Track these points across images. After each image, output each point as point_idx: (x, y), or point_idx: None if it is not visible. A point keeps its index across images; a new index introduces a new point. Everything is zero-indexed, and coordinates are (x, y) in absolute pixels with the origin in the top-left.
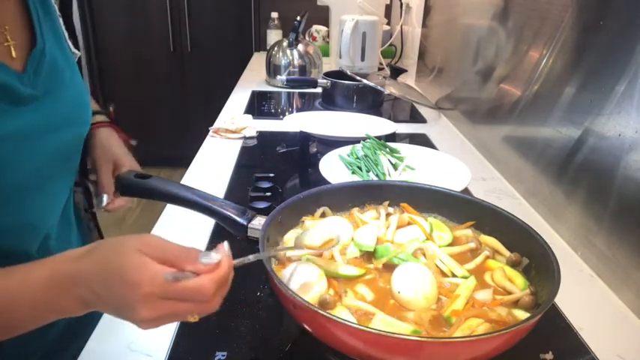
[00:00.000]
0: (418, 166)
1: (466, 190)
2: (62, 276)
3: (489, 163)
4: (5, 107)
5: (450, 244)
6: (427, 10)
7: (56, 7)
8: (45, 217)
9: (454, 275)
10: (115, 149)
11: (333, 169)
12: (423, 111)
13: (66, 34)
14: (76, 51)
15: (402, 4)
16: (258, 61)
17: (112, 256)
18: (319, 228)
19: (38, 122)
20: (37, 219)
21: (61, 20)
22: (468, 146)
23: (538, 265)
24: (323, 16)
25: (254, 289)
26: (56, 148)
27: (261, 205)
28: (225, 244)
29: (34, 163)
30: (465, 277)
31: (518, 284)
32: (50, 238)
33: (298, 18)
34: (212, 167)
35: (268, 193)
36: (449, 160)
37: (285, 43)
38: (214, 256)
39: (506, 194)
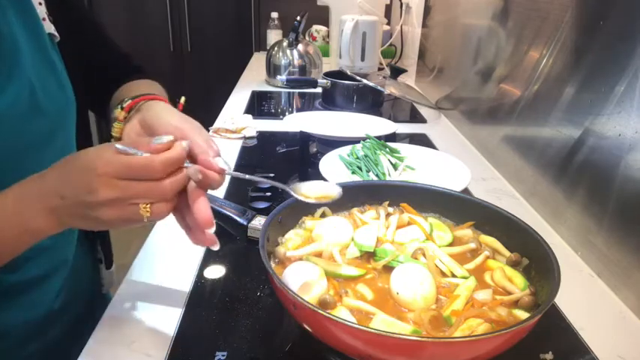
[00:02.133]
0: (418, 166)
1: (466, 190)
2: (30, 189)
3: (489, 163)
4: None
5: (450, 244)
6: (427, 10)
7: None
8: None
9: (454, 275)
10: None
11: (333, 169)
12: (423, 111)
13: (41, 11)
14: (56, 34)
15: (402, 4)
16: (258, 61)
17: (73, 158)
18: (318, 184)
19: (3, 107)
20: None
21: (41, 4)
22: (468, 146)
23: (538, 265)
24: (323, 16)
25: (254, 289)
26: (31, 133)
27: (261, 205)
28: (185, 143)
29: (5, 149)
30: (465, 278)
31: (518, 284)
32: None
33: (298, 18)
34: None
35: (268, 193)
36: (449, 160)
37: (285, 43)
38: (165, 138)
39: (506, 194)
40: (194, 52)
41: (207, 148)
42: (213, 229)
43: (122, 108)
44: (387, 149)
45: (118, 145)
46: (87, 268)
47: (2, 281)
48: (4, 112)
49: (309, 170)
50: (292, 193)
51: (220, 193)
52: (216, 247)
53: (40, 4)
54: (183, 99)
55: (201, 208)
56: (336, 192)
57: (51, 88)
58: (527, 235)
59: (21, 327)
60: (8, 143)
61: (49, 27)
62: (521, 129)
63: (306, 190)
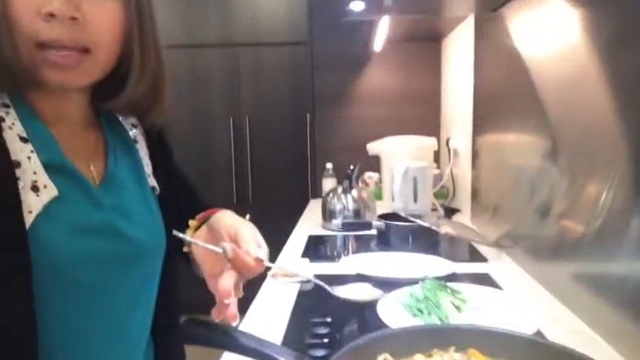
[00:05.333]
0: (483, 308)
1: (539, 333)
2: None
3: (561, 302)
4: (88, 207)
5: None
6: (475, 154)
7: (143, 147)
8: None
9: None
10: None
11: (393, 312)
12: (483, 250)
13: (148, 170)
14: (157, 187)
15: (449, 150)
16: (314, 207)
17: None
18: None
19: (106, 218)
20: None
21: (146, 160)
22: (535, 285)
23: None
24: (374, 164)
25: None
26: (122, 253)
27: (319, 352)
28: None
29: (98, 263)
30: None
31: None
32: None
33: (352, 167)
34: (269, 312)
35: (326, 340)
36: (516, 300)
37: (339, 190)
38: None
39: (584, 337)
40: (255, 203)
41: (251, 240)
42: (228, 301)
43: (195, 218)
44: (449, 290)
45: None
46: None
47: None
48: (105, 225)
49: (367, 314)
50: (331, 291)
51: (277, 338)
52: (234, 322)
53: (147, 165)
54: (247, 216)
55: (224, 281)
56: (377, 293)
57: (145, 220)
58: None
59: None
60: (100, 257)
61: (152, 181)
62: (590, 265)
63: (347, 292)
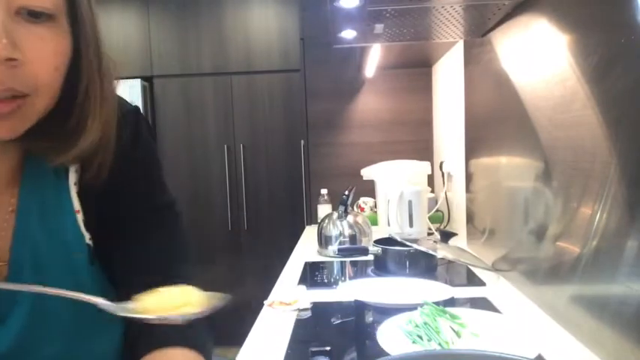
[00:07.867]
0: (483, 332)
1: (540, 358)
2: None
3: (560, 325)
4: None
5: None
6: (469, 177)
7: (75, 205)
8: None
9: None
10: None
11: (392, 339)
12: (481, 273)
13: (79, 218)
14: (85, 234)
15: (443, 174)
16: (309, 233)
17: None
18: None
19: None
20: None
21: (79, 217)
22: (534, 308)
23: None
24: (369, 188)
25: None
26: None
27: None
28: None
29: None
30: None
31: None
32: None
33: (346, 192)
34: (266, 343)
35: None
36: (516, 324)
37: (334, 216)
38: None
39: (586, 359)
40: (250, 230)
41: None
42: None
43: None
44: (448, 315)
45: None
46: None
47: None
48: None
49: (367, 342)
50: None
51: None
52: None
53: (78, 211)
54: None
55: None
56: None
57: (52, 314)
58: None
59: None
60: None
61: (82, 230)
62: (588, 287)
63: None
